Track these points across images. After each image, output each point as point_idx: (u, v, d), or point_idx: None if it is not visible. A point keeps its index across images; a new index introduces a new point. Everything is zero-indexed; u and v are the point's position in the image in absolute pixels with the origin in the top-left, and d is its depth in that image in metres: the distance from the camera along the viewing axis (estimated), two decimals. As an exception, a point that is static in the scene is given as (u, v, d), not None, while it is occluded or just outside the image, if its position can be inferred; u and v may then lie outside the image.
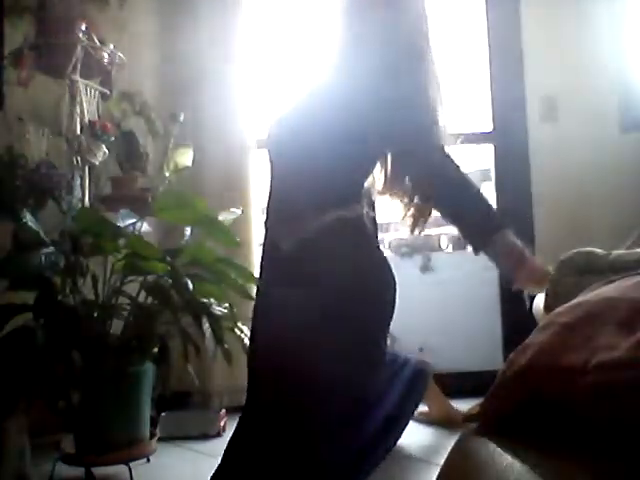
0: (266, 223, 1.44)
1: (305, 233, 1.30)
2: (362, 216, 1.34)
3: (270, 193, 1.45)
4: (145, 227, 2.41)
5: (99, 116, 2.63)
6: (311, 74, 1.52)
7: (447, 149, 1.34)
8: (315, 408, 1.25)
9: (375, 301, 1.31)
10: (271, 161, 1.46)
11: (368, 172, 1.42)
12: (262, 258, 1.45)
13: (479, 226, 1.30)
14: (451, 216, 1.33)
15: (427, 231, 2.69)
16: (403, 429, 2.09)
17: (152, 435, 2.33)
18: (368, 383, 1.33)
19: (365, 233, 1.33)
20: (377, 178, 1.48)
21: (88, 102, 2.57)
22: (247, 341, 2.34)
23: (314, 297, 1.26)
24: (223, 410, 2.79)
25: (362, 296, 1.28)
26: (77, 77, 2.52)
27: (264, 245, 1.45)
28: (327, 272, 1.27)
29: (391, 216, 1.68)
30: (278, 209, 1.40)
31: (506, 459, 0.88)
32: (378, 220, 1.49)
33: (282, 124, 1.47)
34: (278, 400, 1.28)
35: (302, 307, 1.26)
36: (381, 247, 1.42)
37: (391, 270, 1.35)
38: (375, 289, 1.31)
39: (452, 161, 1.32)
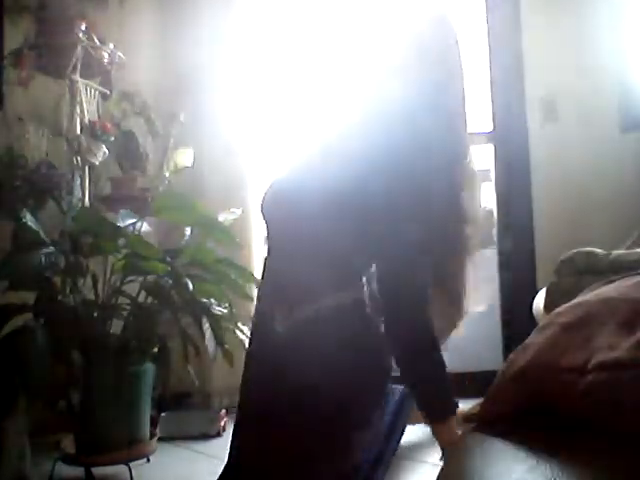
0: (260, 296, 1.35)
1: (303, 316, 1.23)
2: (363, 296, 1.26)
3: (266, 261, 1.36)
4: (145, 227, 2.41)
5: (99, 116, 2.63)
6: (324, 130, 1.39)
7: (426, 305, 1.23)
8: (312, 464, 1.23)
9: (369, 388, 1.26)
10: (267, 226, 1.37)
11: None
12: (253, 331, 1.38)
13: (428, 406, 1.23)
14: (402, 374, 1.26)
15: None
16: (393, 454, 2.08)
17: (152, 435, 2.33)
18: (361, 447, 1.30)
19: (364, 316, 1.25)
20: None
21: (88, 102, 2.57)
22: (247, 340, 2.35)
23: (308, 383, 1.20)
24: (223, 410, 2.79)
25: (356, 384, 1.23)
26: (77, 77, 2.52)
27: (256, 317, 1.36)
28: (322, 359, 1.21)
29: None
30: (274, 283, 1.32)
31: (506, 459, 0.88)
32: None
33: (283, 186, 1.36)
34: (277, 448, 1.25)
35: (295, 392, 1.21)
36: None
37: (389, 356, 1.27)
38: (370, 377, 1.26)
39: (425, 324, 1.22)
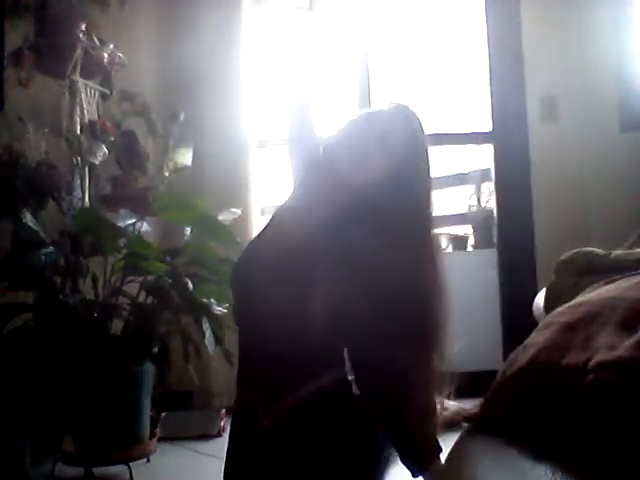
0: (240, 387, 1.27)
1: (284, 408, 1.17)
2: (345, 380, 1.20)
3: (240, 349, 1.29)
4: (145, 227, 2.41)
5: (99, 116, 2.63)
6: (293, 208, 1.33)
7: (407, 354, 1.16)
8: None
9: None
10: (236, 310, 1.32)
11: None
12: (234, 422, 1.29)
13: (409, 458, 1.17)
14: (383, 425, 1.20)
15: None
16: None
17: (152, 435, 2.33)
18: None
19: (347, 404, 1.20)
20: None
21: (88, 102, 2.57)
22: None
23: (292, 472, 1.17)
24: (223, 410, 2.79)
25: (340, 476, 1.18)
26: (77, 77, 2.52)
27: (237, 408, 1.29)
28: (306, 451, 1.17)
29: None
30: (252, 372, 1.24)
31: (506, 459, 0.88)
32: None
33: (251, 261, 1.29)
34: None
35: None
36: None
37: (376, 442, 1.21)
38: (356, 468, 1.20)
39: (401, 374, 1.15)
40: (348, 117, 1.33)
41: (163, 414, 2.66)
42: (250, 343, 1.27)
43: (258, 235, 1.35)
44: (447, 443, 1.15)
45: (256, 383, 1.22)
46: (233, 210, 2.56)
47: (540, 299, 2.15)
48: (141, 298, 2.29)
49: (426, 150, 1.29)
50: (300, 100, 1.39)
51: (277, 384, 1.19)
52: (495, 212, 3.32)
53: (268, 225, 1.34)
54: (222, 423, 2.72)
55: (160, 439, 2.41)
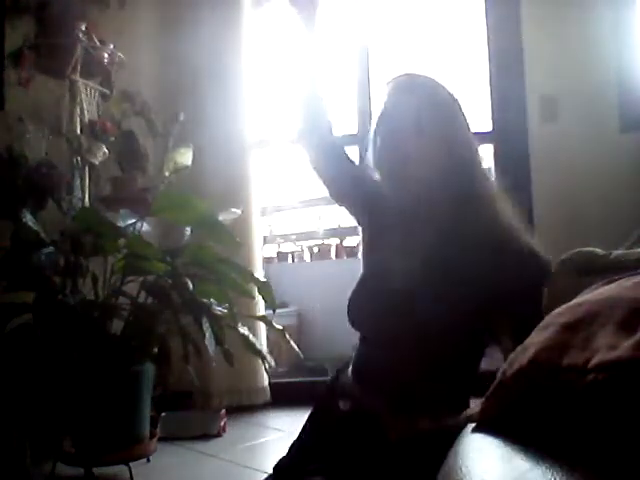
0: (359, 387, 1.25)
1: (420, 428, 1.14)
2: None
3: (367, 355, 1.27)
4: (145, 227, 2.41)
5: (99, 116, 2.63)
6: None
7: None
8: None
9: None
10: (361, 329, 1.28)
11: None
12: (348, 419, 1.24)
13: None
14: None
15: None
16: None
17: (152, 435, 2.33)
18: None
19: None
20: None
21: (88, 102, 2.57)
22: (247, 340, 2.35)
23: None
24: (223, 410, 2.79)
25: None
26: (77, 77, 2.52)
27: (353, 405, 1.25)
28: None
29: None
30: (381, 380, 1.21)
31: (506, 459, 0.88)
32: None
33: (378, 287, 1.26)
34: None
35: None
36: None
37: None
38: None
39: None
40: (368, 134, 1.31)
41: (163, 414, 2.66)
42: (388, 355, 1.23)
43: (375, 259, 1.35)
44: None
45: (384, 392, 1.20)
46: (233, 210, 2.56)
47: (540, 299, 2.15)
48: (141, 298, 2.29)
49: (456, 116, 1.28)
50: (310, 92, 1.36)
51: (417, 402, 1.16)
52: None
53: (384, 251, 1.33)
54: (222, 423, 2.72)
55: (160, 439, 2.41)
